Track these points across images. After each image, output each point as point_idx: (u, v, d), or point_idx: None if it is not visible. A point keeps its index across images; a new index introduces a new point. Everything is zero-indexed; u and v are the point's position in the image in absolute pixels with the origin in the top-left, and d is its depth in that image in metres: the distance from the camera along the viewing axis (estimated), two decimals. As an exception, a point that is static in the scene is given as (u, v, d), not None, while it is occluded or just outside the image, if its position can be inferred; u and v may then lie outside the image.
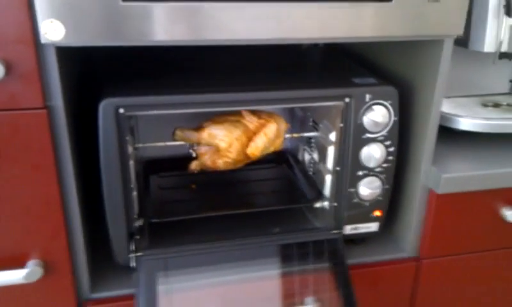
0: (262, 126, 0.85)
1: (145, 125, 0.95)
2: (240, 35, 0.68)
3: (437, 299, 0.97)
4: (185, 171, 0.89)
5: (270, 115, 0.86)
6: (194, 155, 0.88)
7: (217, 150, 0.85)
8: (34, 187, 0.70)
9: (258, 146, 0.84)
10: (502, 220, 0.90)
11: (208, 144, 0.85)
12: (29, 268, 0.73)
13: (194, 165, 0.87)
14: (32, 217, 0.71)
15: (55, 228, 0.73)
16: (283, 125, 0.87)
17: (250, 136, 0.85)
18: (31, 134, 0.66)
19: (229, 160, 0.85)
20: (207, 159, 0.86)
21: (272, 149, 0.87)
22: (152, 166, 1.00)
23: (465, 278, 0.96)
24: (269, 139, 0.85)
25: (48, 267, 0.75)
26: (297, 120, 1.06)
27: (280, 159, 1.05)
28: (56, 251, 0.74)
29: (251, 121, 0.84)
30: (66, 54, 0.69)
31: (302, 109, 1.02)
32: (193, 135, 0.85)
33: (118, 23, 0.63)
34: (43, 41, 0.61)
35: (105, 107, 0.69)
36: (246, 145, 0.85)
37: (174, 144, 0.87)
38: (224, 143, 0.84)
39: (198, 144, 0.86)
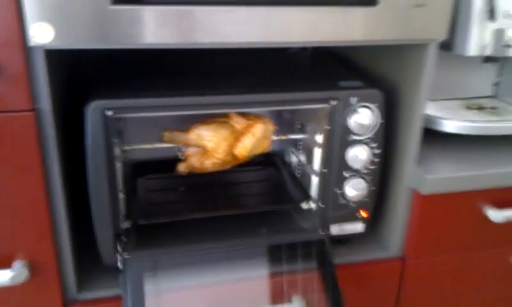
0: (250, 126, 0.85)
1: (134, 127, 0.94)
2: (229, 38, 0.68)
3: (422, 298, 0.98)
4: (174, 173, 0.89)
5: (257, 116, 0.87)
6: (182, 157, 0.88)
7: (205, 151, 0.85)
8: (21, 189, 0.69)
9: (246, 146, 0.85)
10: (486, 220, 0.92)
11: (196, 145, 0.85)
12: (15, 269, 0.73)
13: (182, 168, 0.87)
14: (19, 218, 0.71)
15: (41, 229, 0.73)
16: (271, 126, 0.88)
17: (238, 137, 0.86)
18: (19, 136, 0.66)
19: (217, 161, 0.85)
20: (194, 161, 0.86)
21: (260, 150, 0.88)
22: (139, 168, 0.99)
23: (450, 278, 0.97)
24: (257, 139, 0.85)
25: (34, 268, 0.75)
26: (285, 123, 1.06)
27: (268, 161, 1.05)
28: (42, 252, 0.74)
29: (238, 122, 0.85)
30: (54, 56, 0.68)
31: (289, 112, 1.02)
32: (181, 137, 0.85)
33: (107, 26, 0.63)
34: (31, 44, 0.61)
35: (93, 110, 0.69)
36: (234, 146, 0.86)
37: (162, 147, 0.87)
38: (212, 144, 0.84)
39: (186, 145, 0.87)
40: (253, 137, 0.85)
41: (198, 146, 0.85)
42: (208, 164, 0.86)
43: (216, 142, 0.84)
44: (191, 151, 0.86)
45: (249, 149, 0.85)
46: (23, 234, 0.72)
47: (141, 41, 0.65)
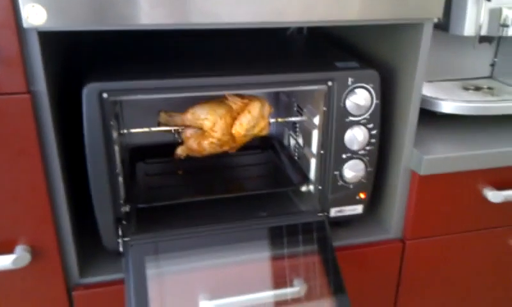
0: (246, 105, 0.86)
1: (131, 112, 0.95)
2: (222, 19, 0.68)
3: (422, 279, 0.98)
4: (172, 157, 0.90)
5: (253, 97, 0.87)
6: (179, 140, 0.88)
7: (202, 132, 0.86)
8: (20, 173, 0.70)
9: (243, 123, 0.85)
10: (484, 201, 0.92)
11: (193, 125, 0.86)
12: (17, 253, 0.73)
13: (180, 151, 0.88)
14: (19, 202, 0.71)
15: (42, 213, 0.73)
16: (267, 106, 0.88)
17: (234, 116, 0.86)
18: (15, 119, 0.66)
19: (214, 141, 0.85)
20: (192, 143, 0.86)
21: (257, 130, 0.88)
22: (138, 153, 1.00)
23: (449, 258, 0.98)
24: (253, 117, 0.86)
25: (36, 253, 0.75)
26: (282, 106, 1.06)
27: (266, 145, 1.06)
28: (43, 236, 0.75)
29: (234, 102, 0.85)
30: (49, 38, 0.69)
31: (286, 94, 1.03)
32: (177, 117, 0.86)
33: (101, 7, 0.63)
34: (25, 25, 0.61)
35: (89, 92, 0.70)
36: (231, 125, 0.86)
37: (159, 130, 0.87)
38: (209, 122, 0.84)
39: (183, 127, 0.87)
40: (250, 115, 0.85)
41: (195, 126, 0.86)
42: (206, 144, 0.86)
43: (212, 120, 0.84)
44: (188, 133, 0.87)
45: (246, 127, 0.85)
46: (24, 218, 0.73)
47: (134, 22, 0.65)
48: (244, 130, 0.85)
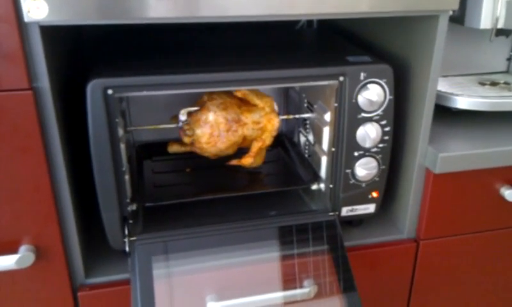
0: None
1: (138, 109, 0.94)
2: (230, 12, 0.67)
3: (436, 280, 0.97)
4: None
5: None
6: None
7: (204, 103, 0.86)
8: (23, 171, 0.69)
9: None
10: (501, 200, 0.90)
11: (198, 104, 0.86)
12: (21, 253, 0.72)
13: (186, 127, 0.87)
14: (23, 201, 0.71)
15: (46, 212, 0.72)
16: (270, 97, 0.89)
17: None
18: (18, 116, 0.65)
19: (215, 96, 0.85)
20: (196, 116, 0.86)
21: (262, 103, 0.87)
22: (145, 150, 0.99)
23: (464, 259, 0.96)
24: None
25: (40, 252, 0.74)
26: (292, 102, 1.05)
27: (276, 142, 1.03)
28: (48, 235, 0.74)
29: None
30: (52, 33, 0.68)
31: (297, 90, 1.01)
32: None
33: (104, 1, 0.62)
34: (26, 19, 0.60)
35: (93, 88, 0.68)
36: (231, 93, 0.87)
37: (165, 127, 0.86)
38: (207, 94, 0.86)
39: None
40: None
41: (200, 103, 0.86)
42: (209, 103, 0.85)
43: (210, 92, 0.86)
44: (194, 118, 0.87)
45: (248, 89, 0.85)
46: (27, 217, 0.72)
47: (139, 16, 0.64)
48: (247, 90, 0.85)
